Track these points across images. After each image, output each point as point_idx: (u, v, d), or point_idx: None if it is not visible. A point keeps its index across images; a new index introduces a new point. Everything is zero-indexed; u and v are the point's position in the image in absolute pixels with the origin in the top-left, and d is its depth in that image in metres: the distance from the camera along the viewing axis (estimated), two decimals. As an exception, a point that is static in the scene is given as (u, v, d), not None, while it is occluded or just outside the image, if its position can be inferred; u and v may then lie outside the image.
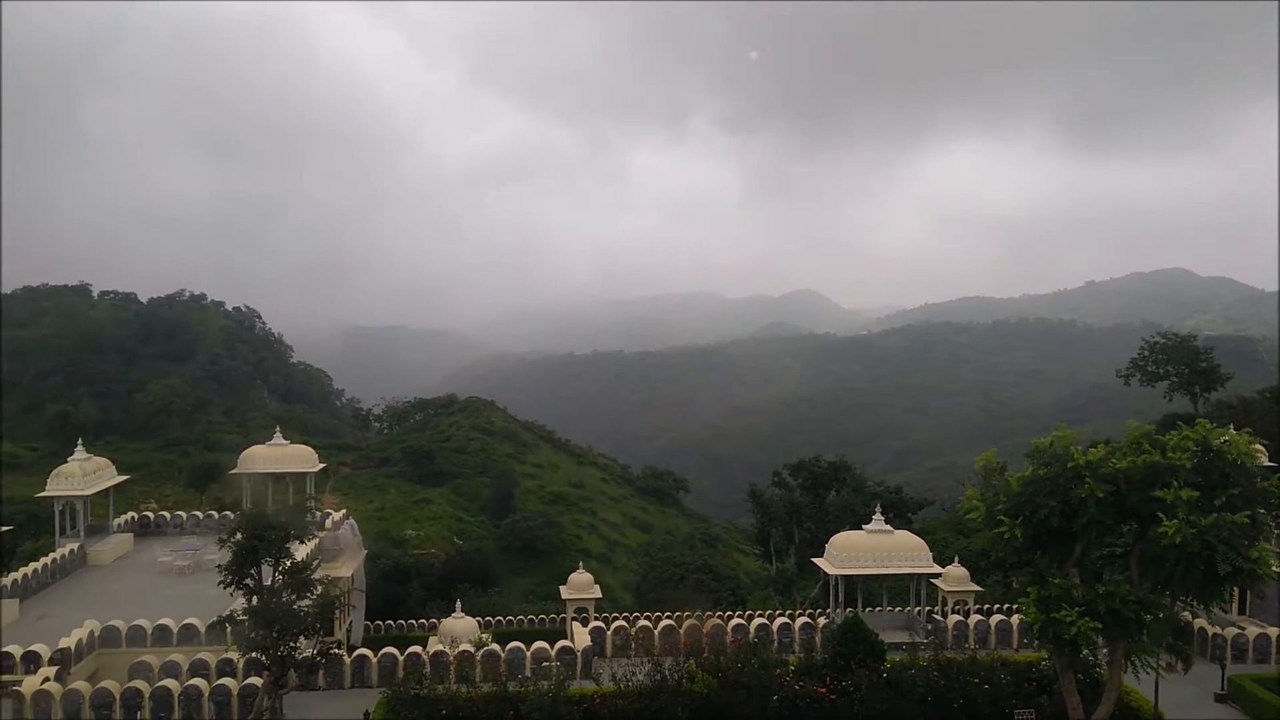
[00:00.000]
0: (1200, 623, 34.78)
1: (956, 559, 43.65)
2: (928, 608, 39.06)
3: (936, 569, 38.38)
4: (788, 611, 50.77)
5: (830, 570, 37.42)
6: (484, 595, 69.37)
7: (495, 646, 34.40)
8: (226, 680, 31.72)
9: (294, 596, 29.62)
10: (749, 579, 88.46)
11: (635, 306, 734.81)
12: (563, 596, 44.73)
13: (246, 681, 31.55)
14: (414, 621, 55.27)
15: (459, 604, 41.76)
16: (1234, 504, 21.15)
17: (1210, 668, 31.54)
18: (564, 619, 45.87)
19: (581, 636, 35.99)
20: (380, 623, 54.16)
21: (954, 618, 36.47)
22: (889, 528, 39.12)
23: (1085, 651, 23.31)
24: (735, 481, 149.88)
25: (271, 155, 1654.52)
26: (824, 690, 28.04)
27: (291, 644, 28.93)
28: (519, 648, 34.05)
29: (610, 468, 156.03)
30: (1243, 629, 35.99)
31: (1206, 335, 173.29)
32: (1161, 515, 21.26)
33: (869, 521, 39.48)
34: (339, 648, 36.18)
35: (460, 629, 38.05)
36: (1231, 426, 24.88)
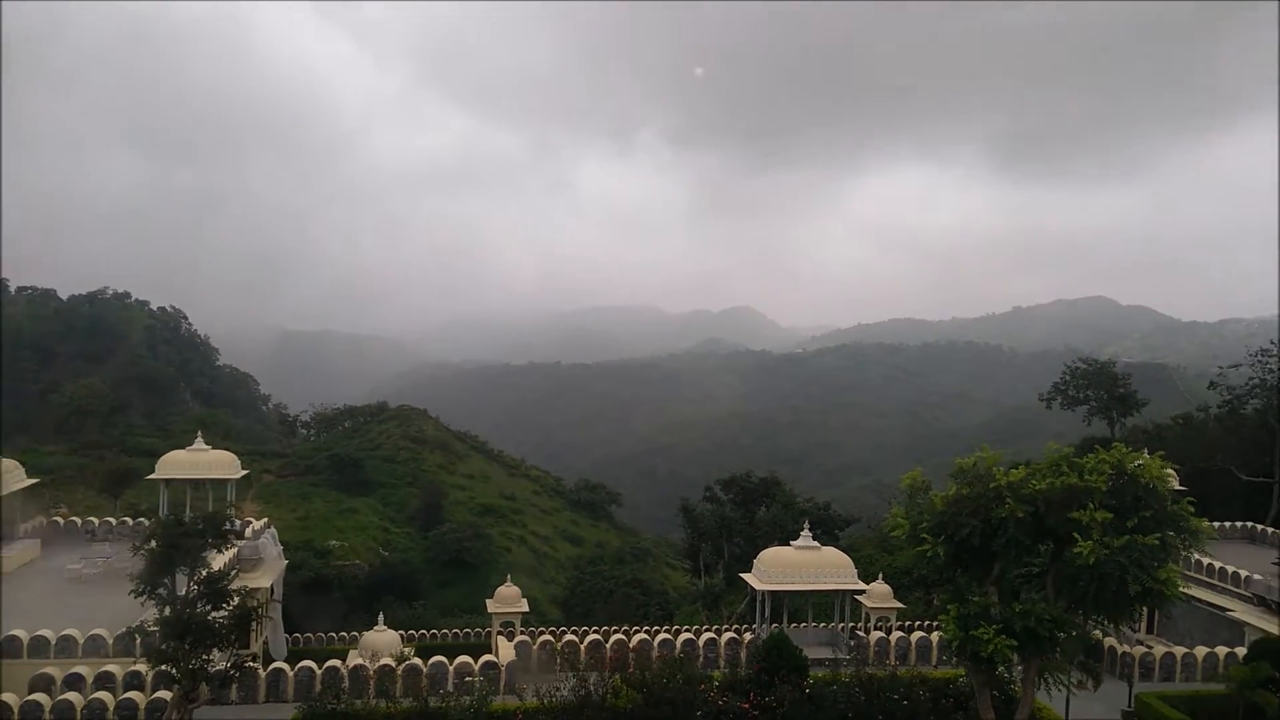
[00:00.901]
0: (1110, 641, 35.79)
1: (881, 576, 44.26)
2: (852, 624, 39.52)
3: (861, 586, 38.87)
4: (715, 626, 50.90)
5: (758, 586, 37.62)
6: (408, 608, 68.26)
7: (417, 661, 33.76)
8: (133, 694, 30.54)
9: (209, 607, 28.71)
10: (678, 594, 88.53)
11: (575, 318, 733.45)
12: (489, 610, 44.18)
13: (155, 695, 30.42)
14: (335, 634, 54.10)
15: (382, 617, 40.93)
16: (1145, 526, 21.82)
17: (1118, 685, 32.43)
18: (489, 633, 45.29)
19: (506, 651, 35.55)
20: (300, 635, 52.87)
21: (876, 634, 36.94)
22: (816, 544, 39.53)
23: (1001, 669, 23.79)
24: (668, 496, 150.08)
25: (213, 153, 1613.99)
26: (747, 706, 28.10)
27: (204, 656, 28.00)
28: (442, 662, 33.48)
29: (543, 480, 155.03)
30: (1150, 648, 37.16)
31: (1125, 362, 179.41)
32: (1077, 536, 21.83)
33: (797, 538, 39.83)
34: (254, 661, 35.12)
35: (382, 643, 37.27)
36: (1146, 451, 25.74)
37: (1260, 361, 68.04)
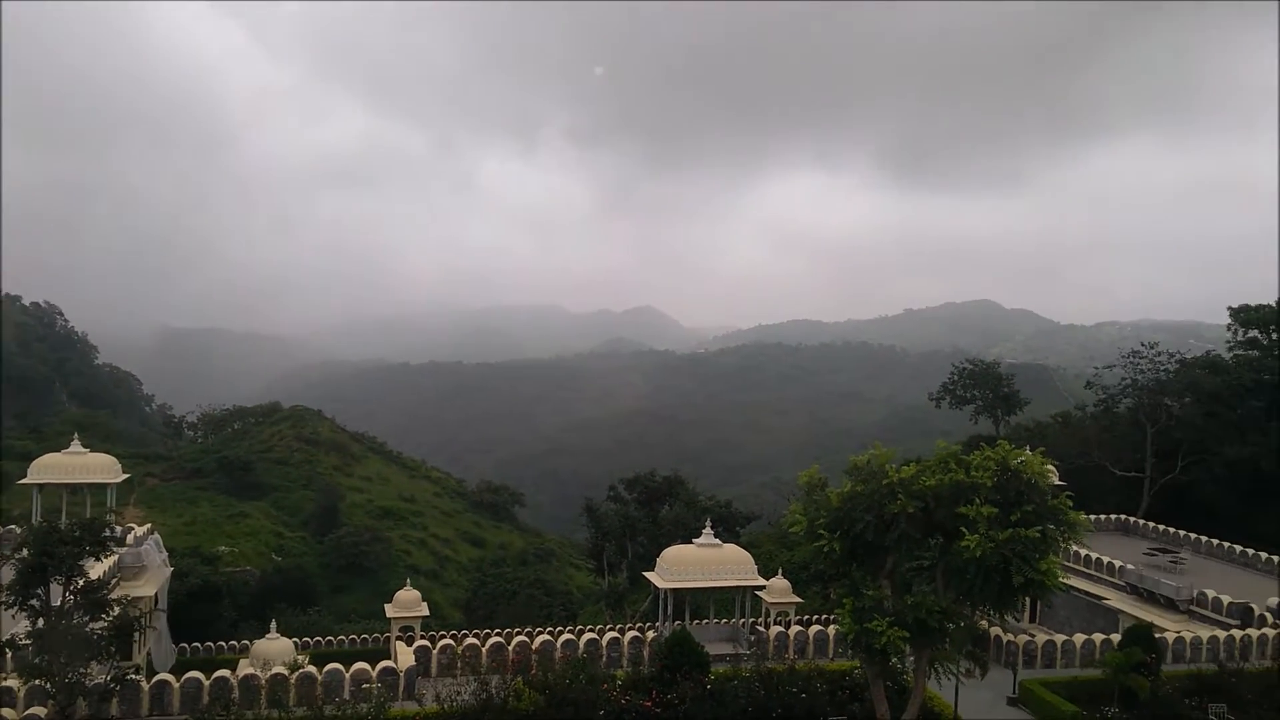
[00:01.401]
0: (996, 630, 37.32)
1: (780, 571, 45.11)
2: (752, 619, 40.16)
3: (761, 581, 39.54)
4: (618, 626, 51.03)
5: (660, 584, 37.87)
6: (303, 615, 66.34)
7: (312, 669, 32.76)
8: (5, 711, 28.77)
9: (87, 618, 27.28)
10: (582, 594, 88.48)
11: (477, 317, 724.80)
12: (388, 615, 43.23)
13: (28, 712, 28.69)
14: (225, 644, 52.15)
15: (274, 624, 39.57)
16: (1028, 520, 22.78)
17: (1004, 673, 33.84)
18: (388, 638, 44.33)
19: (405, 656, 34.84)
20: (187, 645, 50.75)
21: (776, 629, 37.62)
22: (718, 542, 40.01)
23: (894, 660, 24.53)
24: (572, 496, 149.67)
25: (92, 144, 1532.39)
26: (650, 704, 28.27)
27: (82, 670, 26.58)
28: (337, 669, 32.59)
29: (444, 481, 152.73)
30: (1033, 636, 38.90)
31: (1009, 363, 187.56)
32: (964, 530, 22.65)
33: (700, 536, 40.26)
34: (137, 673, 33.51)
35: (274, 651, 36.03)
36: (1028, 448, 26.92)
37: (1132, 363, 71.95)
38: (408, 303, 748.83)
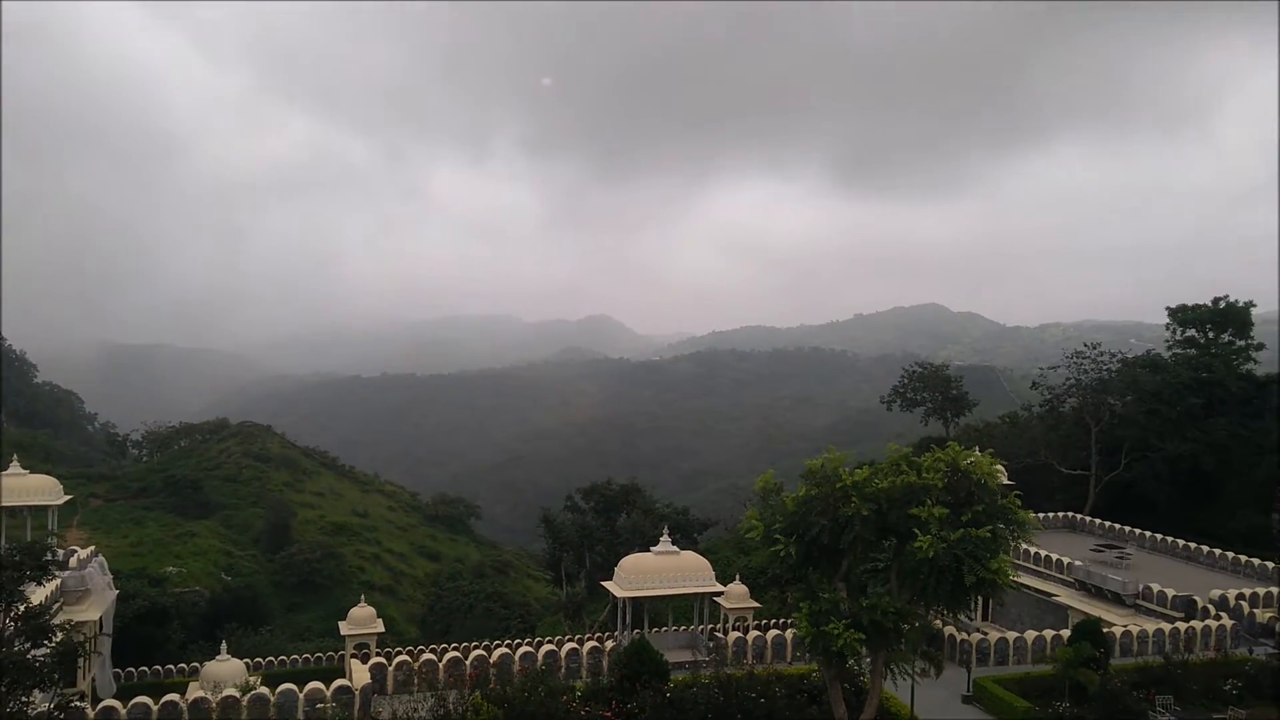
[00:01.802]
0: (949, 629, 37.86)
1: (738, 577, 45.29)
2: (710, 625, 40.24)
3: (719, 587, 39.63)
4: (577, 636, 50.80)
5: (619, 593, 37.80)
6: (254, 635, 65.13)
7: (264, 690, 32.11)
8: (-62, 746, 27.74)
9: (28, 645, 26.41)
10: (540, 605, 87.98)
11: (430, 328, 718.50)
12: (342, 632, 42.59)
13: (-36, 746, 27.72)
14: (174, 666, 50.95)
15: (224, 645, 38.76)
16: (978, 519, 23.15)
17: (958, 671, 34.33)
18: (343, 656, 43.64)
19: (360, 674, 34.30)
20: (136, 670, 49.46)
21: (734, 634, 37.74)
22: (675, 549, 40.04)
23: (851, 661, 24.73)
24: (528, 506, 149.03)
25: (30, 155, 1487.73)
26: (609, 714, 28.18)
27: (24, 699, 25.72)
28: (291, 690, 31.97)
29: (398, 495, 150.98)
30: (985, 634, 39.51)
31: (957, 365, 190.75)
32: (917, 531, 22.95)
33: (657, 543, 40.27)
34: (81, 700, 32.54)
35: (225, 672, 35.29)
36: (977, 449, 27.38)
37: (1075, 363, 73.62)
38: (359, 315, 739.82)
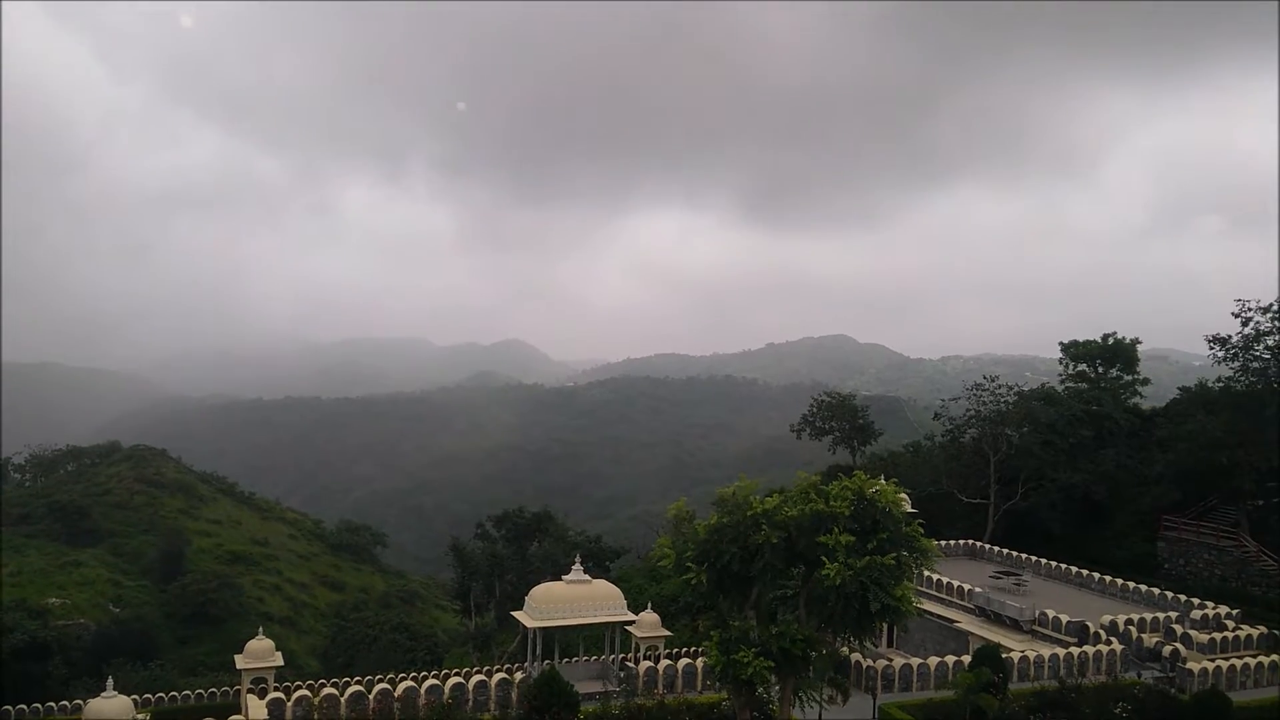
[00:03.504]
0: (856, 656, 38.42)
1: (650, 605, 45.14)
2: (622, 655, 39.99)
3: (631, 616, 39.46)
4: (486, 668, 49.84)
5: (529, 623, 37.27)
6: (143, 670, 62.15)
7: (153, 728, 30.59)
8: None
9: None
10: (448, 636, 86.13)
11: (336, 350, 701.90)
12: (238, 666, 40.72)
13: None
14: (55, 704, 48.16)
15: (110, 681, 36.68)
16: (883, 547, 23.69)
17: (864, 698, 34.82)
18: (239, 691, 41.82)
19: (257, 709, 32.94)
20: (13, 708, 46.53)
21: (645, 664, 37.57)
22: (587, 577, 39.74)
23: (760, 689, 24.91)
24: (437, 534, 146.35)
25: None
26: (518, 747, 27.72)
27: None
28: (182, 727, 30.56)
29: (300, 523, 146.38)
30: (890, 660, 40.26)
31: (864, 395, 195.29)
32: (825, 559, 23.33)
33: (569, 571, 39.91)
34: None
35: (110, 710, 33.34)
36: (882, 477, 28.04)
37: (975, 395, 76.11)
38: (263, 335, 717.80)
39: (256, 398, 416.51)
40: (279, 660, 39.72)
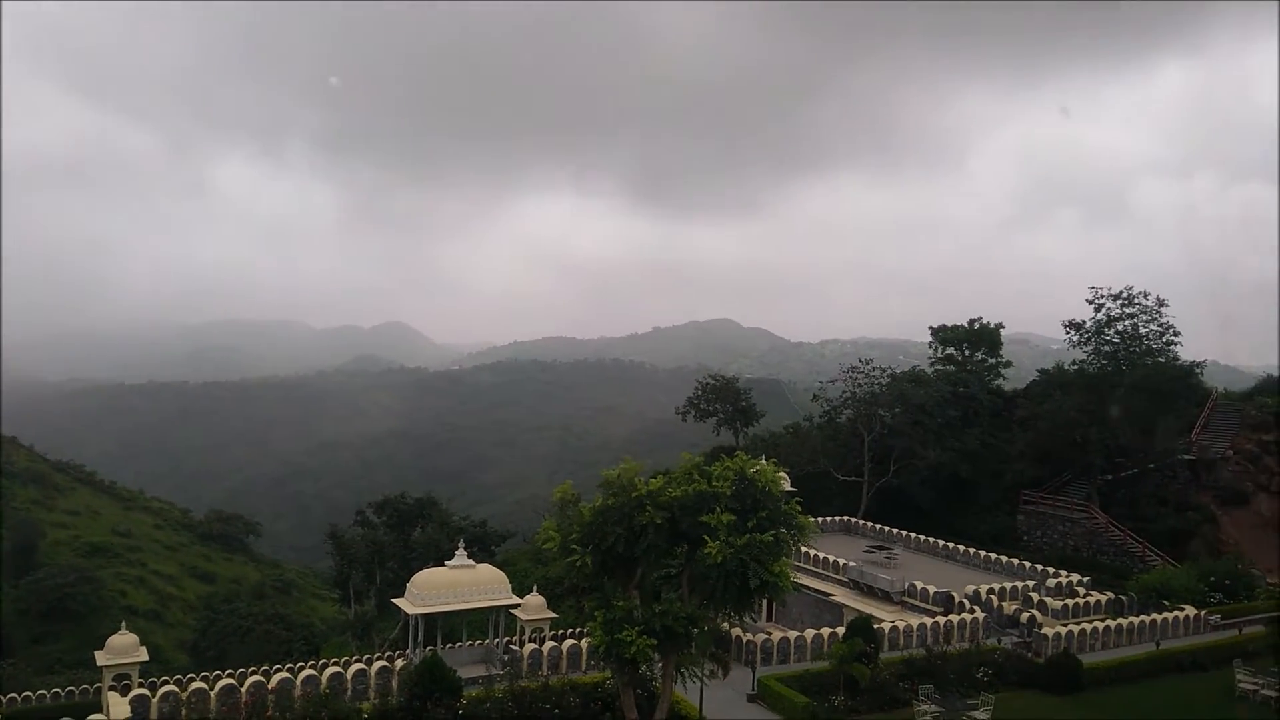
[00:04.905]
0: (737, 631, 39.37)
1: (535, 588, 45.08)
2: (506, 638, 39.82)
3: (515, 600, 39.31)
4: (366, 656, 48.85)
5: (410, 610, 36.68)
6: (-7, 670, 58.20)
7: (3, 732, 28.77)
8: None
9: None
10: (326, 625, 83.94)
11: (206, 332, 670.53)
12: (99, 663, 38.64)
13: None
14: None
15: (-46, 685, 34.34)
16: (763, 525, 24.24)
17: (744, 671, 35.71)
18: (100, 689, 39.70)
19: (120, 708, 31.34)
20: None
21: (530, 646, 37.53)
22: (471, 562, 39.37)
23: (644, 667, 25.21)
24: (315, 523, 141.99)
25: None
26: (399, 735, 27.28)
27: None
28: (36, 730, 28.82)
29: (166, 512, 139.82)
30: (770, 634, 41.39)
31: (747, 378, 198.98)
32: (707, 538, 23.75)
33: (453, 557, 39.43)
34: None
35: (-46, 716, 31.23)
36: (763, 457, 28.70)
37: (851, 378, 78.76)
38: (126, 316, 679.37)
39: (118, 382, 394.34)
40: (144, 655, 37.88)
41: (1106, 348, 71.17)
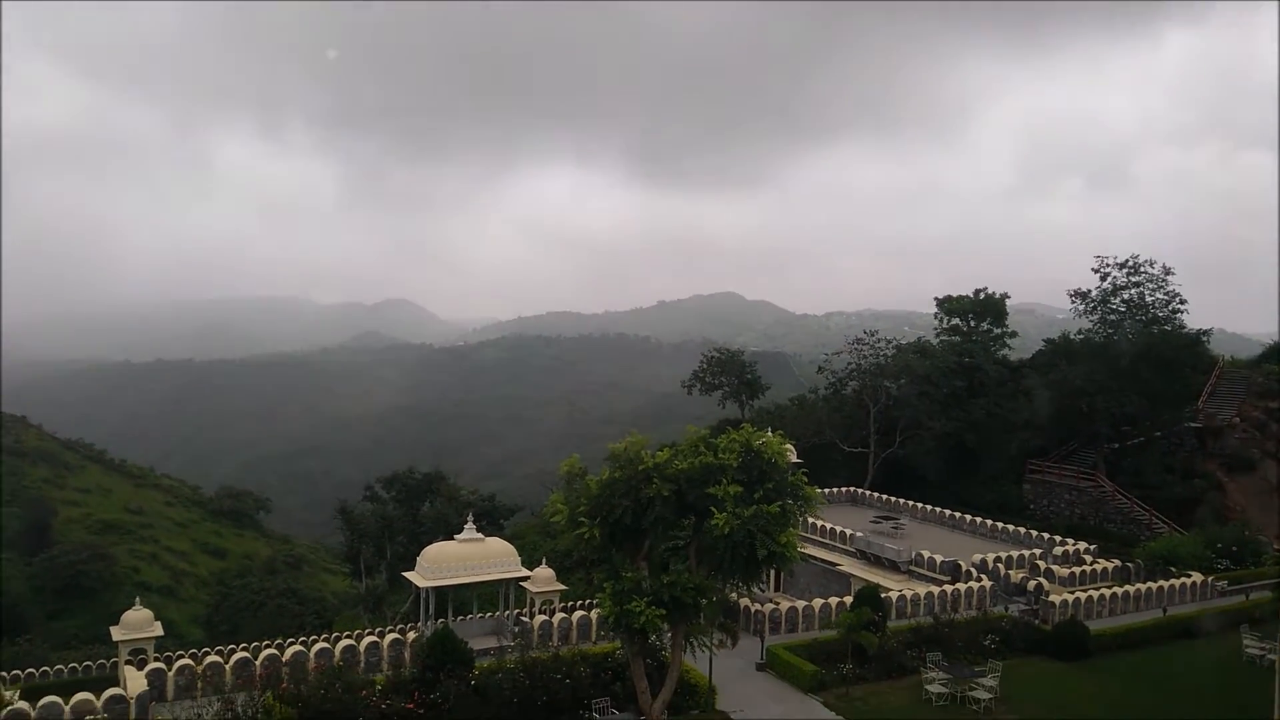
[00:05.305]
0: (745, 601, 39.72)
1: (544, 560, 45.46)
2: (516, 611, 40.23)
3: (525, 572, 39.66)
4: (378, 629, 49.37)
5: (421, 583, 37.03)
6: (11, 646, 59.15)
7: (23, 704, 29.14)
8: None
9: None
10: (337, 599, 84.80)
11: (211, 309, 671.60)
12: (114, 638, 39.17)
13: None
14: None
15: (-27, 660, 34.87)
16: (769, 496, 24.42)
17: (753, 640, 36.10)
18: (116, 664, 40.28)
19: (136, 681, 31.79)
20: None
21: (540, 618, 37.91)
22: (480, 536, 39.68)
23: (653, 637, 25.50)
24: (324, 498, 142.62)
25: None
26: (412, 705, 27.60)
27: None
28: (55, 702, 29.19)
29: (177, 489, 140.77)
30: (777, 604, 41.74)
31: (751, 351, 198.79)
32: (714, 509, 23.93)
33: (462, 531, 39.75)
34: None
35: (-26, 690, 31.68)
36: (769, 429, 28.83)
37: (856, 349, 78.74)
38: (131, 295, 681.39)
39: (125, 360, 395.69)
40: (158, 630, 38.40)
41: (1112, 316, 70.92)
